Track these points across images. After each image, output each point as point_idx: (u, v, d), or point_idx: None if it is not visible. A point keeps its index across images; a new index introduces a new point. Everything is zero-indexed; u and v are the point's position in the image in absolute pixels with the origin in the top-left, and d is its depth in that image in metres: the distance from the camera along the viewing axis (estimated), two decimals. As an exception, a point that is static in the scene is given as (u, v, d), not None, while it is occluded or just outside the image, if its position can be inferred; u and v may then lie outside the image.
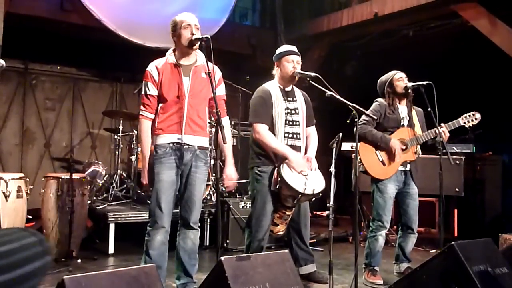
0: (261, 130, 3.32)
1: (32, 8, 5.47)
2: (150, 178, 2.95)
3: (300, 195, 3.17)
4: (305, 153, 3.45)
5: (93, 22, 5.63)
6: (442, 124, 3.63)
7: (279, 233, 3.44)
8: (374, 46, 6.60)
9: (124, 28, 5.77)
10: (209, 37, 2.80)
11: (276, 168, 3.25)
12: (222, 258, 1.94)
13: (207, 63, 2.79)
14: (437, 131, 3.58)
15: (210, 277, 1.98)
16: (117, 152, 5.48)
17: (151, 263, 2.86)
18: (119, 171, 5.34)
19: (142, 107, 3.01)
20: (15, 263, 0.78)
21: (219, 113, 2.67)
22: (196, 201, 3.01)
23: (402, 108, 3.79)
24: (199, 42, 2.88)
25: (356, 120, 2.98)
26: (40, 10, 5.53)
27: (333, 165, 3.05)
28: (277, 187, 3.21)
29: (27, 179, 4.03)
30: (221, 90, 3.12)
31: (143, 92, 3.01)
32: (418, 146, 3.78)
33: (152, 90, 2.96)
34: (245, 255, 2.06)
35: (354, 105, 3.01)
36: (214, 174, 4.75)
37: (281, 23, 7.17)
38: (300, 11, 7.29)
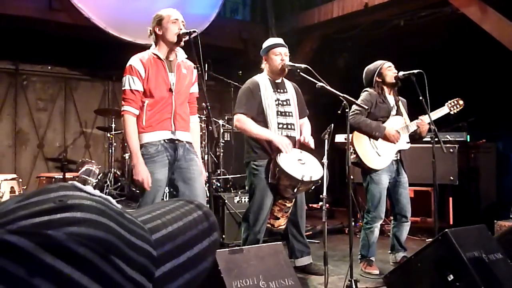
0: (241, 117, 3.32)
1: (20, 8, 5.42)
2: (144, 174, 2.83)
3: (299, 184, 3.14)
4: (300, 138, 3.43)
5: (82, 21, 5.59)
6: (420, 117, 3.66)
7: (280, 227, 3.41)
8: (365, 37, 6.58)
9: (114, 26, 5.74)
10: (197, 31, 2.77)
11: (273, 159, 3.24)
12: (214, 251, 1.93)
13: (197, 58, 2.75)
14: (418, 122, 3.63)
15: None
16: (110, 151, 5.46)
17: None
18: (113, 169, 5.32)
19: (124, 102, 2.84)
20: (182, 245, 0.63)
21: (209, 107, 2.66)
22: (201, 196, 2.93)
23: (390, 97, 3.79)
24: (187, 37, 2.85)
25: (347, 110, 2.97)
26: (28, 9, 5.48)
27: (325, 156, 3.05)
28: (276, 177, 3.20)
29: (20, 180, 4.01)
30: (196, 87, 3.10)
31: (125, 87, 2.83)
32: (407, 135, 3.78)
33: (138, 85, 2.82)
34: (238, 248, 2.05)
35: (345, 95, 3.01)
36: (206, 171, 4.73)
37: (272, 17, 7.15)
38: (291, 4, 7.27)
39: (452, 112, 3.73)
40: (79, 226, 0.49)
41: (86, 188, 0.56)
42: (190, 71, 2.93)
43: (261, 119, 3.33)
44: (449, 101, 3.76)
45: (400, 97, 3.86)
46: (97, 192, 0.57)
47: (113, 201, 0.58)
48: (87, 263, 0.48)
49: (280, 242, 2.31)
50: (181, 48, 2.97)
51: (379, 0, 5.77)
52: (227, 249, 2.00)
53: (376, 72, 3.77)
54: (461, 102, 3.74)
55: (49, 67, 6.64)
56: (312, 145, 3.37)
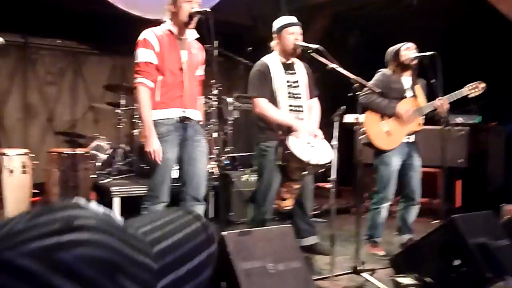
0: (262, 103, 3.30)
1: (29, -20, 5.38)
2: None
3: (308, 166, 3.16)
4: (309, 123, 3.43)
5: (92, -5, 5.54)
6: (440, 97, 3.58)
7: (286, 207, 3.45)
8: (378, 15, 6.47)
9: (123, 1, 5.68)
10: (209, 10, 2.75)
11: (282, 141, 3.24)
12: (223, 233, 1.96)
13: (209, 36, 2.73)
14: (436, 103, 3.56)
15: (212, 253, 2.00)
16: (119, 126, 5.48)
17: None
18: (122, 145, 5.35)
19: (138, 75, 2.83)
20: (182, 257, 0.65)
21: (218, 88, 2.68)
22: (202, 176, 3.01)
23: (406, 79, 3.75)
24: (198, 16, 2.83)
25: (358, 93, 2.96)
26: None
27: (335, 139, 3.05)
28: (285, 159, 3.20)
29: (32, 155, 4.05)
30: (203, 69, 3.10)
31: (139, 59, 2.82)
32: (422, 118, 3.75)
33: (152, 58, 2.81)
34: (247, 229, 2.08)
35: (356, 77, 2.98)
36: (217, 148, 4.75)
37: (283, -7, 7.01)
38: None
39: (471, 96, 3.65)
40: (86, 247, 0.52)
41: (90, 205, 0.58)
42: (200, 52, 2.93)
43: (272, 101, 3.31)
44: (470, 84, 3.66)
45: (419, 79, 3.80)
46: (100, 209, 0.60)
47: (115, 215, 0.60)
48: (94, 283, 0.51)
49: (289, 225, 2.33)
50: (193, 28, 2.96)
51: (392, -23, 5.65)
52: (236, 231, 2.03)
53: (394, 52, 3.73)
54: (482, 85, 3.64)
55: (59, 41, 6.61)
56: (321, 137, 3.35)
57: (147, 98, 2.83)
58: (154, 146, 2.81)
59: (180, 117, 2.90)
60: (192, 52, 2.95)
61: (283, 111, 3.30)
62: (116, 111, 5.57)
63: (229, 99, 5.60)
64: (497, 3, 4.91)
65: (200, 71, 3.09)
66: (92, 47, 6.89)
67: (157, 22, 3.02)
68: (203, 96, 3.21)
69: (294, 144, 3.17)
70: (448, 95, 3.62)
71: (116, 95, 5.89)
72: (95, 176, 4.80)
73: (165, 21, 2.99)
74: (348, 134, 3.89)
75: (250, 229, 2.09)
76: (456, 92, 3.66)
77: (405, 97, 3.71)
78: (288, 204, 3.42)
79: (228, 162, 5.43)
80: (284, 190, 3.37)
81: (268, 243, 2.06)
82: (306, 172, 3.22)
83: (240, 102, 5.74)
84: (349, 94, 2.93)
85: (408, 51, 3.69)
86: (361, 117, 3.43)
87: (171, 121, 2.89)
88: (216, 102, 4.57)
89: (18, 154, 3.84)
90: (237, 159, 5.65)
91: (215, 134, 4.76)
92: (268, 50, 3.52)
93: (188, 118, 2.93)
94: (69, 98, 6.76)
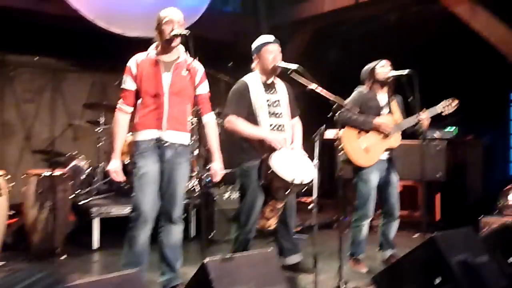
0: (231, 119, 3.32)
1: (6, -2, 5.32)
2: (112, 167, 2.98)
3: (291, 185, 3.17)
4: (291, 143, 3.45)
5: (70, 12, 5.48)
6: (421, 112, 3.64)
7: (270, 227, 3.44)
8: (357, 31, 6.59)
9: (102, 18, 5.64)
10: (188, 33, 2.78)
11: (265, 160, 3.24)
12: (205, 260, 1.94)
13: (187, 60, 2.78)
14: (417, 118, 3.62)
15: (193, 280, 1.98)
16: (99, 144, 5.42)
17: (133, 260, 2.89)
18: (101, 163, 5.28)
19: (119, 100, 3.02)
20: None
21: (199, 112, 2.70)
22: (179, 197, 3.02)
23: (382, 96, 3.80)
24: (179, 38, 2.85)
25: (338, 112, 2.99)
26: (15, 0, 5.38)
27: (316, 158, 3.07)
28: (268, 179, 3.20)
29: (8, 176, 3.95)
30: (204, 87, 3.10)
31: (122, 86, 3.01)
32: (399, 133, 3.80)
33: (129, 84, 2.96)
34: (229, 256, 2.06)
35: (336, 97, 3.02)
36: (197, 166, 4.73)
37: (264, 9, 7.09)
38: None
39: (445, 112, 3.73)
40: None
41: None
42: (193, 72, 2.92)
43: (252, 120, 3.32)
44: (444, 101, 3.74)
45: (395, 95, 3.86)
46: None
47: None
48: None
49: (272, 248, 2.33)
50: (182, 48, 3.00)
51: (370, -5, 5.76)
52: (218, 257, 2.01)
53: (370, 69, 3.78)
54: (455, 102, 3.72)
55: (36, 58, 6.53)
56: (304, 156, 3.38)
57: (120, 122, 3.00)
58: (110, 166, 2.99)
59: (156, 138, 2.92)
60: (181, 73, 2.95)
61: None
62: (96, 129, 5.51)
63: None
64: (470, 21, 5.04)
65: (201, 90, 3.05)
66: (71, 64, 6.83)
67: (136, 40, 3.07)
68: (212, 112, 3.19)
69: (276, 163, 3.17)
70: (427, 111, 3.69)
71: (96, 112, 5.84)
72: (74, 196, 4.72)
73: (146, 39, 3.07)
74: (329, 148, 3.92)
75: (232, 255, 2.08)
76: (431, 109, 3.72)
77: (382, 114, 3.76)
78: (271, 223, 3.41)
79: (210, 179, 5.40)
80: (267, 209, 3.36)
81: (251, 268, 2.05)
82: (290, 191, 3.23)
83: (221, 118, 5.73)
84: (328, 116, 2.96)
85: (383, 68, 3.75)
86: (341, 133, 3.46)
87: (149, 143, 2.93)
88: (196, 119, 4.56)
89: (-6, 176, 3.74)
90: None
91: (195, 151, 4.73)
92: (249, 66, 3.54)
93: (166, 141, 2.93)
94: (47, 116, 6.67)
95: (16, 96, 6.45)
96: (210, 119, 3.14)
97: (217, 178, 3.16)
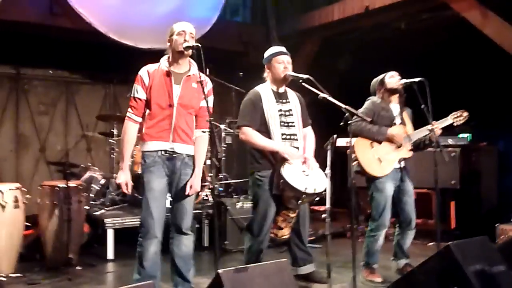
0: (246, 131, 3.33)
1: (21, 13, 5.42)
2: (136, 185, 3.03)
3: (303, 195, 3.17)
4: (303, 153, 3.45)
5: (83, 25, 5.59)
6: (433, 122, 3.63)
7: (283, 236, 3.42)
8: (366, 39, 6.58)
9: (115, 30, 5.73)
10: (200, 45, 2.81)
11: (277, 171, 3.24)
12: (219, 271, 1.95)
13: (199, 73, 2.81)
14: (429, 128, 3.60)
15: (208, 291, 1.99)
16: (112, 156, 5.47)
17: (145, 274, 2.91)
18: (115, 174, 5.33)
19: (129, 109, 3.02)
20: None
21: (211, 121, 2.72)
22: (187, 208, 3.03)
23: (394, 106, 3.80)
24: (190, 50, 2.88)
25: (349, 122, 2.99)
26: (29, 15, 5.48)
27: (328, 167, 3.07)
28: (280, 189, 3.21)
29: (24, 189, 4.01)
30: (208, 101, 3.08)
31: (132, 95, 3.01)
32: (410, 145, 3.77)
33: (141, 94, 2.97)
34: (243, 266, 2.06)
35: (347, 107, 3.01)
36: (210, 174, 4.74)
37: (273, 19, 7.13)
38: (291, 6, 7.26)
39: (455, 124, 3.72)
40: None
41: None
42: (203, 85, 2.92)
43: (264, 129, 3.33)
44: (454, 113, 3.73)
45: (406, 107, 3.86)
46: None
47: None
48: None
49: (285, 259, 2.32)
50: (194, 61, 3.03)
51: (380, 3, 5.76)
52: (232, 268, 2.01)
53: (379, 80, 3.79)
54: (465, 114, 3.72)
55: (50, 71, 6.65)
56: (315, 166, 3.37)
57: (129, 131, 2.99)
58: (120, 179, 2.98)
59: (164, 150, 2.94)
60: (192, 86, 2.98)
61: (275, 140, 3.31)
62: (109, 140, 5.57)
63: (222, 126, 5.63)
64: (482, 27, 5.02)
65: (203, 102, 2.98)
66: (84, 76, 6.93)
67: (148, 51, 3.10)
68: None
69: (289, 173, 3.18)
70: (439, 122, 3.68)
71: (109, 124, 5.90)
72: (88, 207, 4.76)
73: (159, 50, 3.12)
74: (341, 156, 3.91)
75: (246, 266, 2.08)
76: (442, 120, 3.71)
77: (395, 124, 3.75)
78: (285, 233, 3.40)
79: (222, 189, 5.42)
80: (280, 219, 3.36)
81: (265, 279, 2.04)
82: (302, 201, 3.22)
83: (232, 128, 5.77)
84: (340, 124, 2.96)
85: (392, 78, 3.76)
86: (353, 141, 3.44)
87: (157, 154, 2.95)
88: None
89: (11, 189, 3.80)
90: (231, 186, 5.64)
91: (208, 161, 4.75)
92: (259, 76, 3.56)
93: (175, 152, 2.95)
94: (61, 128, 6.76)
95: (30, 109, 6.56)
96: (203, 135, 3.10)
97: (191, 192, 3.01)
